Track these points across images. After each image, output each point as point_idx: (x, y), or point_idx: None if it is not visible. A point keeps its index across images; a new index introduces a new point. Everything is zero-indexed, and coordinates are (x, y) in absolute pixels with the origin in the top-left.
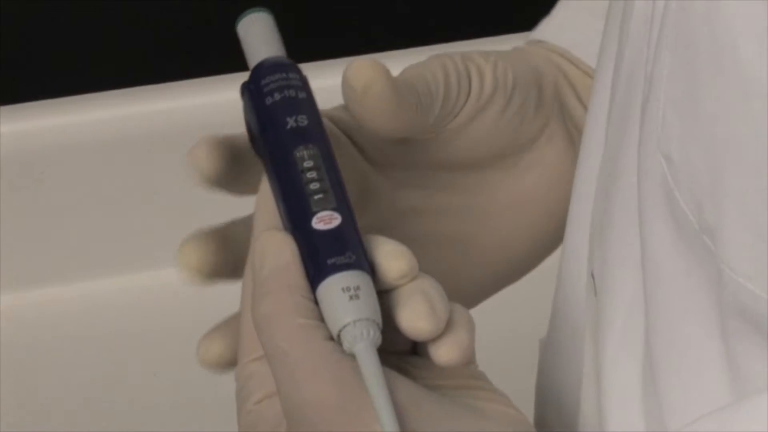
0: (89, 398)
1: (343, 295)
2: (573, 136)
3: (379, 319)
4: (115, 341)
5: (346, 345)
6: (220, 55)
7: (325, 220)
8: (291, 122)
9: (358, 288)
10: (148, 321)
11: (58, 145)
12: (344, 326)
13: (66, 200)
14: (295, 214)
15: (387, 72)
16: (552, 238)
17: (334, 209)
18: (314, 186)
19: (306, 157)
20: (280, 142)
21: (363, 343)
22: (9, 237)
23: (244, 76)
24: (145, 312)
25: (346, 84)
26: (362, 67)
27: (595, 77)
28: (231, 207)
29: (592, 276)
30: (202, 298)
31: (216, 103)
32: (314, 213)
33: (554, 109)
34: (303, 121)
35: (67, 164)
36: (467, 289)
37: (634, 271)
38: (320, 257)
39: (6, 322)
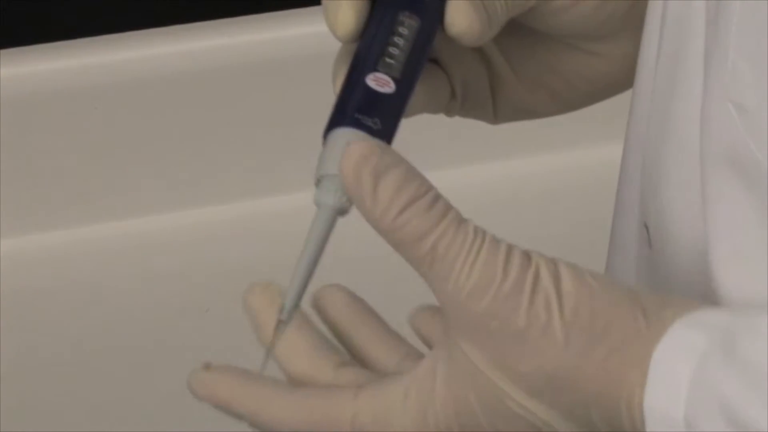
0: (89, 345)
1: (343, 149)
2: None
3: None
4: (113, 287)
5: (318, 193)
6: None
7: (379, 82)
8: None
9: None
10: (143, 268)
11: (58, 89)
12: (326, 175)
13: (65, 145)
14: (361, 62)
15: (479, 21)
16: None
17: (394, 79)
18: (393, 50)
19: (404, 24)
20: (393, 0)
21: (329, 202)
22: (10, 181)
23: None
24: (141, 259)
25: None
26: (457, 16)
27: (645, 24)
28: (241, 156)
29: (646, 227)
30: (200, 245)
31: (232, 45)
32: (376, 71)
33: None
34: None
35: (66, 109)
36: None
37: (695, 223)
38: (350, 107)
39: (6, 267)
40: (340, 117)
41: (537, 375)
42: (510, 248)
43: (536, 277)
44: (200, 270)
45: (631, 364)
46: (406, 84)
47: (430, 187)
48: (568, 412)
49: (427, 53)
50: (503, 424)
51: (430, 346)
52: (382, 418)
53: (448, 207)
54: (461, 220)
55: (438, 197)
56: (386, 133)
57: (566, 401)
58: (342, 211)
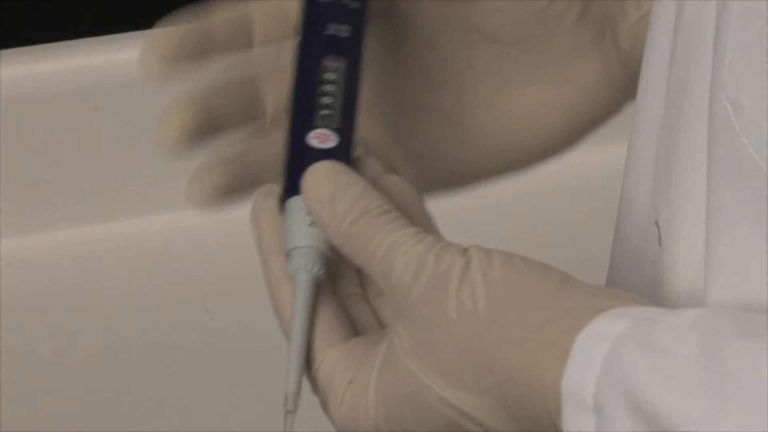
0: (89, 345)
1: (305, 218)
2: (617, 55)
3: (330, 252)
4: (113, 287)
5: (290, 266)
6: None
7: (320, 138)
8: (332, 29)
9: None
10: (143, 269)
11: (58, 89)
12: (294, 248)
13: (65, 145)
14: (299, 121)
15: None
16: (565, 138)
17: (334, 130)
18: (326, 100)
19: (331, 69)
20: (312, 46)
21: (304, 274)
22: (10, 181)
23: None
24: (140, 259)
25: None
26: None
27: (651, 23)
28: None
29: (657, 224)
30: (200, 245)
31: None
32: (315, 127)
33: (601, 27)
34: (345, 32)
35: (66, 109)
36: (472, 162)
37: (702, 222)
38: (300, 172)
39: (6, 267)
40: (292, 185)
41: (456, 358)
42: (448, 243)
43: (467, 265)
44: (200, 270)
45: (549, 346)
46: (348, 129)
47: (382, 203)
48: (485, 396)
49: (360, 88)
50: (424, 419)
51: None
52: (329, 393)
53: (397, 216)
54: (406, 225)
55: (388, 210)
56: None
57: (483, 385)
58: (318, 280)
